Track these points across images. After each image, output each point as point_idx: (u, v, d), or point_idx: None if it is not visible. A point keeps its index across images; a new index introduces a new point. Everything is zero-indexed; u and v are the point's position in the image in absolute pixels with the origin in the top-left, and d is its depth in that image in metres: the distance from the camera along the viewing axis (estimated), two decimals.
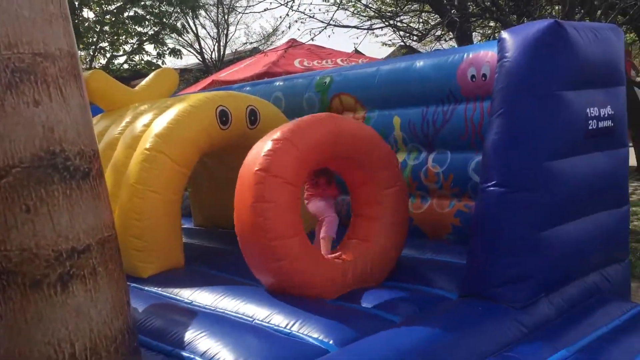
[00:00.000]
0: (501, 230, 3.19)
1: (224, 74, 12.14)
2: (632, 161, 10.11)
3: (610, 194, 3.53)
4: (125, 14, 15.08)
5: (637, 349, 2.84)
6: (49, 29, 2.53)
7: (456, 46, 10.34)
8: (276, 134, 3.32)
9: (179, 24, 16.83)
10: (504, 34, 3.37)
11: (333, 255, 3.61)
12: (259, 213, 3.12)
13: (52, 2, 2.55)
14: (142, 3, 15.18)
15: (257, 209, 3.12)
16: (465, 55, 4.15)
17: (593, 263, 3.55)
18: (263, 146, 3.29)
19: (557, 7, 10.08)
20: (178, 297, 3.57)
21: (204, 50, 20.72)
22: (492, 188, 3.20)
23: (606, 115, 3.43)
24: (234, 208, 3.33)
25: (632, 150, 10.23)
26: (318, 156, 3.41)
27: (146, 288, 3.80)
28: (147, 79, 5.77)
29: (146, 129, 4.38)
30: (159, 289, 3.76)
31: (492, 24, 12.00)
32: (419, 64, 4.43)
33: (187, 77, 19.28)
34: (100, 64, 14.98)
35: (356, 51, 14.10)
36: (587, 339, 2.95)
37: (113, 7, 14.95)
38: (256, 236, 3.15)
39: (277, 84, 5.66)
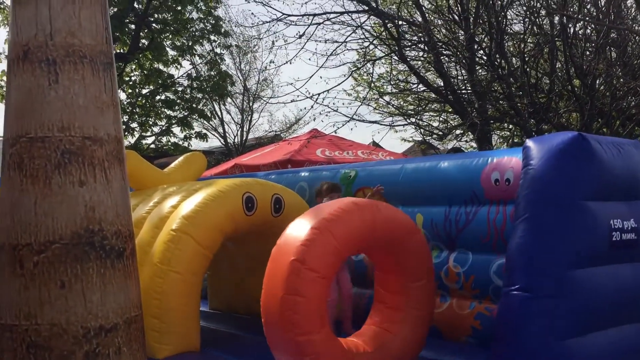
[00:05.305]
0: (524, 335, 3.16)
1: (245, 159, 12.40)
2: None
3: (635, 307, 3.50)
4: (157, 98, 15.67)
5: None
6: (100, 116, 2.69)
7: (475, 146, 10.58)
8: (314, 219, 3.23)
9: (206, 110, 17.40)
10: (529, 143, 3.49)
11: (352, 339, 3.51)
12: (289, 306, 3.07)
13: (105, 92, 2.74)
14: (174, 88, 15.81)
15: (288, 302, 3.07)
16: (489, 160, 4.26)
17: None
18: (300, 232, 3.20)
19: (574, 115, 10.34)
20: None
21: (227, 134, 21.28)
22: (515, 292, 3.21)
23: (630, 228, 3.47)
24: (262, 291, 3.25)
25: None
26: (354, 246, 3.38)
27: None
28: (176, 161, 5.95)
29: (174, 210, 4.48)
30: None
31: (510, 127, 12.29)
32: (444, 164, 4.55)
33: (209, 160, 19.67)
34: (129, 142, 15.41)
35: (374, 144, 14.44)
36: None
37: (146, 90, 15.58)
38: (283, 329, 3.10)
39: (303, 174, 5.80)
